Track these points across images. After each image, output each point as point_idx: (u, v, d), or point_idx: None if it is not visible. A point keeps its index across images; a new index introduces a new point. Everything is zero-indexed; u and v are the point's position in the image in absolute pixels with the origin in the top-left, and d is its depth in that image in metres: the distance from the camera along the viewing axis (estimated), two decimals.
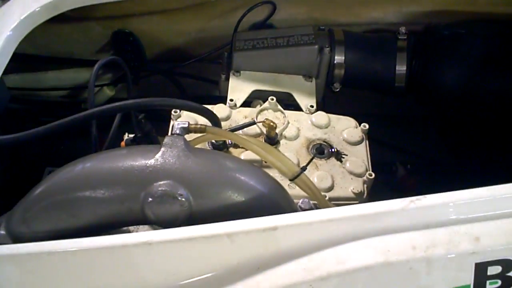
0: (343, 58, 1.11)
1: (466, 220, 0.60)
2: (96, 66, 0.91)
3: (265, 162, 0.92)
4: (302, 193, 0.84)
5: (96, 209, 0.70)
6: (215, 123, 0.89)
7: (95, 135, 0.90)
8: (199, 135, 0.80)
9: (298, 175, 0.77)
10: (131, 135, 1.13)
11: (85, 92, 1.53)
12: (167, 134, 1.15)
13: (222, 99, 1.13)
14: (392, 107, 1.30)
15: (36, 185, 0.76)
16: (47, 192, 0.73)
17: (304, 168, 0.79)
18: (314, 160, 0.97)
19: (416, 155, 1.30)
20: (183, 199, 0.68)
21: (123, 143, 1.06)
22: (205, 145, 0.94)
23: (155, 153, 0.70)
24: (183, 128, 0.75)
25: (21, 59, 1.34)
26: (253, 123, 0.93)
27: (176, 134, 0.74)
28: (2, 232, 0.75)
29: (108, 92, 1.45)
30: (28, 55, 1.40)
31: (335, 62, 1.11)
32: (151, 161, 0.70)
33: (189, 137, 0.78)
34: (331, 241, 0.61)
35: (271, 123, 0.91)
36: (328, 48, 1.10)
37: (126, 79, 1.02)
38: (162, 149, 0.71)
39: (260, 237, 0.62)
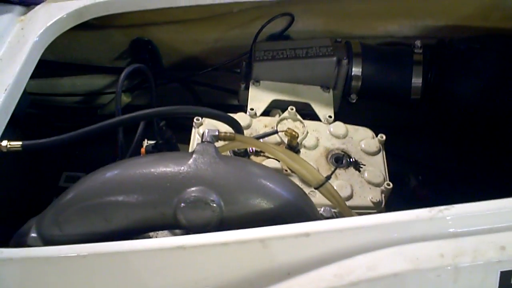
0: (361, 70, 1.13)
1: (492, 230, 0.62)
2: (124, 73, 0.94)
3: (286, 170, 0.95)
4: (322, 201, 0.86)
5: (129, 213, 0.72)
6: (238, 131, 0.92)
7: (121, 141, 0.92)
8: (226, 142, 0.82)
9: (323, 183, 0.80)
10: (151, 142, 1.16)
11: (100, 98, 1.56)
12: (185, 141, 1.18)
13: (240, 108, 1.15)
14: (405, 119, 1.33)
15: (69, 189, 0.78)
16: (81, 195, 0.75)
17: (328, 177, 0.81)
18: (332, 169, 0.99)
19: (428, 166, 1.33)
20: (215, 205, 0.70)
21: (143, 150, 1.08)
22: (227, 153, 0.97)
23: (187, 160, 0.73)
24: (214, 136, 0.77)
25: (38, 65, 1.36)
26: (275, 132, 0.96)
27: (207, 141, 0.76)
28: (34, 234, 0.77)
29: (125, 98, 1.48)
30: (45, 61, 1.43)
31: (352, 74, 1.14)
32: (183, 168, 0.72)
33: (216, 144, 0.80)
34: (361, 248, 0.63)
35: (293, 133, 0.93)
36: (346, 60, 1.12)
37: (150, 87, 1.04)
38: (194, 155, 0.73)
39: (292, 243, 0.64)
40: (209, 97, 1.50)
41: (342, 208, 0.81)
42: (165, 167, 0.72)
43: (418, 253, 0.61)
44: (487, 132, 1.16)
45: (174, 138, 1.08)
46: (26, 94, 1.32)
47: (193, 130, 1.04)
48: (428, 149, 1.32)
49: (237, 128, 0.91)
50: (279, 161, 0.94)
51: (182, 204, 0.70)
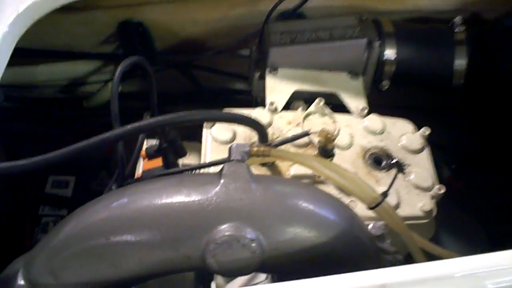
0: (395, 52, 0.97)
1: None
2: (119, 70, 0.76)
3: (319, 176, 0.80)
4: (365, 212, 0.71)
5: (142, 257, 0.57)
6: (263, 136, 0.76)
7: (121, 155, 0.75)
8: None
9: (380, 203, 0.65)
10: (151, 141, 1.00)
11: (84, 87, 1.38)
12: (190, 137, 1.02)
13: (246, 92, 1.03)
14: (437, 101, 1.17)
15: (61, 222, 0.61)
16: (79, 234, 0.59)
17: (386, 194, 0.66)
18: (372, 172, 0.85)
19: (463, 155, 1.19)
20: (254, 245, 0.55)
21: (143, 153, 0.92)
22: None
23: (214, 186, 0.57)
24: (245, 152, 0.61)
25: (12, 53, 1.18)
26: (307, 133, 0.80)
27: (237, 160, 0.60)
28: (21, 282, 0.61)
29: None
30: (18, 48, 1.24)
31: (385, 57, 0.97)
32: (211, 197, 0.56)
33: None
34: None
35: (329, 135, 0.77)
36: (378, 42, 0.96)
37: (149, 84, 0.86)
38: (223, 181, 0.57)
39: None
40: (210, 83, 1.33)
41: (401, 230, 0.66)
42: (187, 196, 0.56)
43: None
44: None
45: (179, 138, 0.92)
46: None
47: (204, 131, 0.88)
48: (463, 136, 1.17)
49: (262, 132, 0.75)
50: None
51: (213, 246, 0.55)
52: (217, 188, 0.57)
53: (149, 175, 0.88)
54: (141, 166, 0.97)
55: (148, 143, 1.01)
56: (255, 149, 0.63)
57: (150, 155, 0.91)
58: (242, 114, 0.74)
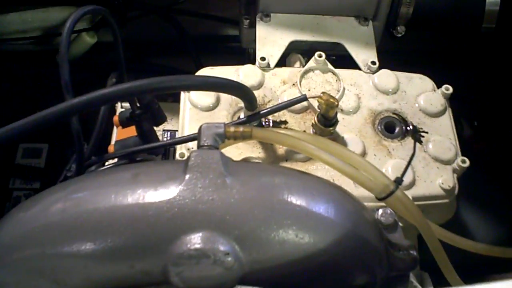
0: None
1: None
2: (68, 24, 0.60)
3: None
4: (368, 194, 0.58)
5: (89, 273, 0.44)
6: (250, 103, 0.62)
7: (77, 130, 0.61)
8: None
9: (393, 192, 0.51)
10: (126, 105, 0.87)
11: (58, 38, 1.23)
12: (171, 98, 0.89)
13: (237, 39, 0.91)
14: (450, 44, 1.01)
15: None
16: (10, 244, 0.46)
17: (400, 181, 0.52)
18: (384, 142, 0.71)
19: (485, 109, 1.04)
20: (230, 259, 0.42)
21: (116, 118, 0.78)
22: None
23: (178, 183, 0.43)
24: (218, 135, 0.47)
25: None
26: (303, 99, 0.65)
27: (208, 146, 0.46)
28: None
29: (88, 39, 1.16)
30: None
31: None
32: (173, 198, 0.43)
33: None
34: None
35: (331, 100, 0.63)
36: None
37: (114, 38, 0.71)
38: (189, 175, 0.44)
39: None
40: (196, 29, 1.19)
41: (418, 223, 0.53)
42: (142, 197, 0.43)
43: None
44: None
45: (156, 102, 0.78)
46: None
47: (182, 95, 0.74)
48: (487, 88, 1.01)
49: (250, 99, 0.61)
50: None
51: (176, 261, 0.42)
52: (181, 186, 0.43)
53: (122, 147, 0.76)
54: (115, 135, 0.85)
55: (123, 109, 0.89)
56: (231, 129, 0.49)
57: (123, 123, 0.78)
58: (221, 78, 0.60)
